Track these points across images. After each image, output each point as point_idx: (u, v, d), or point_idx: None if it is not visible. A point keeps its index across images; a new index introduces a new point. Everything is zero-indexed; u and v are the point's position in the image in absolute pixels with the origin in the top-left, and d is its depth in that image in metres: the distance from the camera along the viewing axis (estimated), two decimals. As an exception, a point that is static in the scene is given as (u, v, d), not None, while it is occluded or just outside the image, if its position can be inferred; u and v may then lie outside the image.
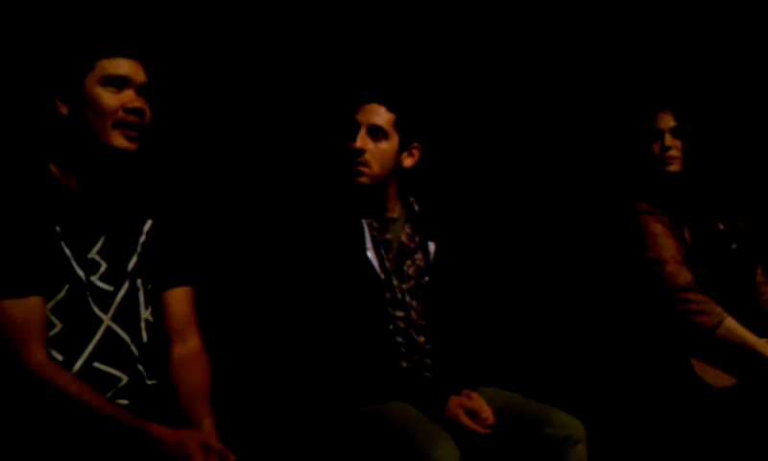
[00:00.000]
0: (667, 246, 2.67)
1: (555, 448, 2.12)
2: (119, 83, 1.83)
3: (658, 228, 2.69)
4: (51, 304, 1.81)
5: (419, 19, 2.90)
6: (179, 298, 1.99)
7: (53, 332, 1.82)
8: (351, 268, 2.26)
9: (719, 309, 2.60)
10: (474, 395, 2.21)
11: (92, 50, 1.84)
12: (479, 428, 2.15)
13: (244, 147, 2.66)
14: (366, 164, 2.27)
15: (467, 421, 2.16)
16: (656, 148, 2.69)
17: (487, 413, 2.17)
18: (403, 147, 2.32)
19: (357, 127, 2.28)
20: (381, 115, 2.29)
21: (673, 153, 2.66)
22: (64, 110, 1.86)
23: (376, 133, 2.28)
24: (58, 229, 1.83)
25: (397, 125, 2.30)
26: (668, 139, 2.67)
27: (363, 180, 2.28)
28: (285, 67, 2.71)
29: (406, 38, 2.88)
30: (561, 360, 2.97)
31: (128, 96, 1.84)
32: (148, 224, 1.97)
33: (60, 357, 1.82)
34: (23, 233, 1.78)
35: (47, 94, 1.87)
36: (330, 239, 2.27)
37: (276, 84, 2.70)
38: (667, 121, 2.67)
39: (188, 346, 1.96)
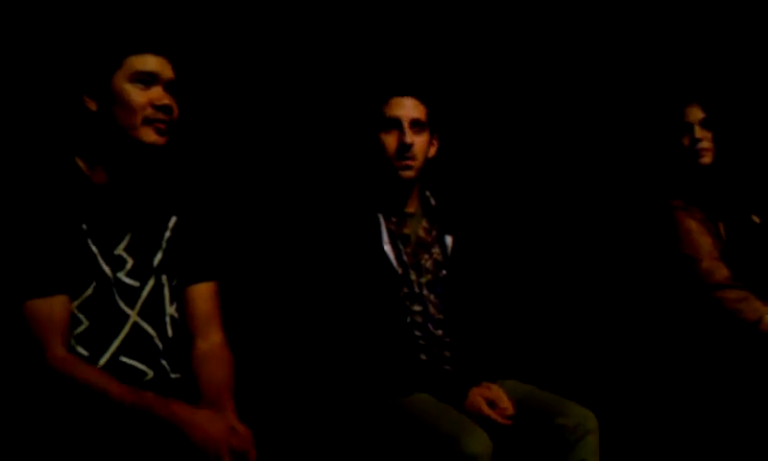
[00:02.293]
0: (703, 242, 2.63)
1: (567, 437, 2.10)
2: (147, 79, 1.85)
3: (692, 224, 2.65)
4: (78, 302, 1.83)
5: (438, 11, 2.91)
6: (202, 293, 1.99)
7: (80, 329, 1.83)
8: (369, 263, 2.27)
9: (759, 303, 2.53)
10: (494, 386, 2.20)
11: (121, 47, 1.86)
12: (500, 418, 2.14)
13: (263, 143, 2.68)
14: (413, 158, 2.29)
15: (488, 410, 2.14)
16: (686, 141, 2.66)
17: (506, 403, 2.16)
18: (431, 137, 2.37)
19: (397, 122, 2.30)
20: (419, 109, 2.32)
21: (704, 144, 2.63)
22: (93, 106, 1.87)
23: (418, 126, 2.31)
24: (84, 226, 1.84)
25: (429, 117, 2.34)
26: (698, 131, 2.64)
27: (410, 173, 2.30)
28: (305, 64, 2.74)
29: (426, 32, 2.89)
30: (581, 355, 2.92)
31: (156, 93, 1.86)
32: (173, 220, 1.98)
33: (86, 353, 1.83)
34: (50, 232, 1.80)
35: (75, 90, 1.90)
36: (347, 234, 2.28)
37: (295, 80, 2.73)
38: (696, 113, 2.65)
39: (211, 341, 1.97)
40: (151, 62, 1.86)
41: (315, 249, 2.32)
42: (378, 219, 2.32)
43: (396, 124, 2.30)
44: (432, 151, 2.38)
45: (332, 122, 2.72)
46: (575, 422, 2.10)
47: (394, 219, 2.34)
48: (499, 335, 2.39)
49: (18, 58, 2.35)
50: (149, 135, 1.85)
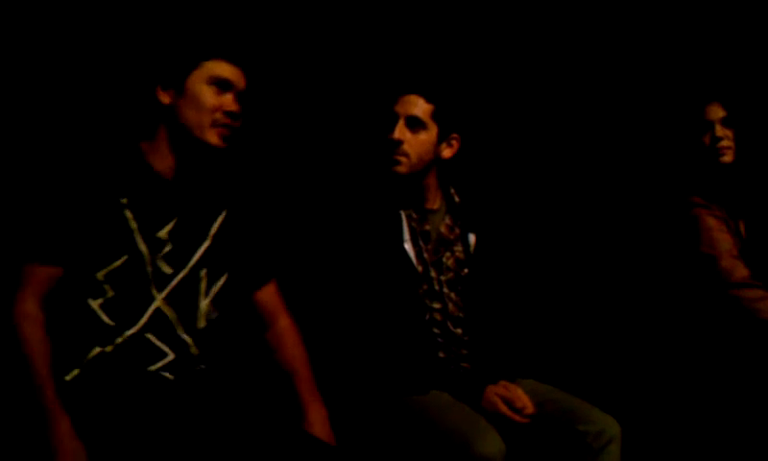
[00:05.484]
0: (722, 240, 2.62)
1: (589, 445, 2.10)
2: (223, 85, 1.94)
3: (712, 222, 2.64)
4: (105, 271, 1.89)
5: (458, 9, 2.92)
6: (266, 294, 2.15)
7: (104, 299, 1.90)
8: (389, 260, 2.27)
9: None
10: (511, 385, 2.20)
11: (203, 50, 1.95)
12: (517, 417, 2.14)
13: (284, 140, 2.71)
14: (404, 154, 2.28)
15: (504, 409, 2.14)
16: (706, 139, 2.65)
17: (524, 402, 2.16)
18: (442, 137, 2.33)
19: (396, 118, 2.30)
20: (419, 106, 2.30)
21: (725, 143, 2.62)
22: (165, 100, 1.96)
23: (414, 123, 2.29)
24: (124, 201, 1.90)
25: (436, 115, 2.31)
26: (719, 130, 2.62)
27: (400, 169, 2.29)
28: (325, 61, 2.76)
29: (444, 29, 2.89)
30: (602, 356, 2.92)
31: (228, 99, 1.94)
32: (222, 215, 2.04)
33: (111, 323, 1.90)
34: (73, 201, 1.88)
35: (151, 81, 1.98)
36: (369, 231, 2.29)
37: (316, 76, 2.75)
38: (716, 112, 2.63)
39: (280, 324, 2.14)
40: (228, 70, 1.95)
41: (336, 245, 2.32)
42: (400, 216, 2.32)
43: (395, 121, 2.30)
44: (447, 152, 2.35)
45: (357, 116, 2.74)
46: (598, 428, 2.10)
47: (415, 215, 2.34)
48: (519, 335, 2.39)
49: (108, 42, 2.46)
50: (213, 138, 1.94)
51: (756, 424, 2.46)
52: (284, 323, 2.15)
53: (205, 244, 2.00)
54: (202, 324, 1.99)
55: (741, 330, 2.54)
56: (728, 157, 2.63)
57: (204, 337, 2.00)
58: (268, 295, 2.14)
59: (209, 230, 2.02)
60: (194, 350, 1.98)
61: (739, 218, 2.65)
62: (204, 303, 2.00)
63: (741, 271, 2.58)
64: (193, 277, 1.98)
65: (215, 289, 2.02)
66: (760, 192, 2.66)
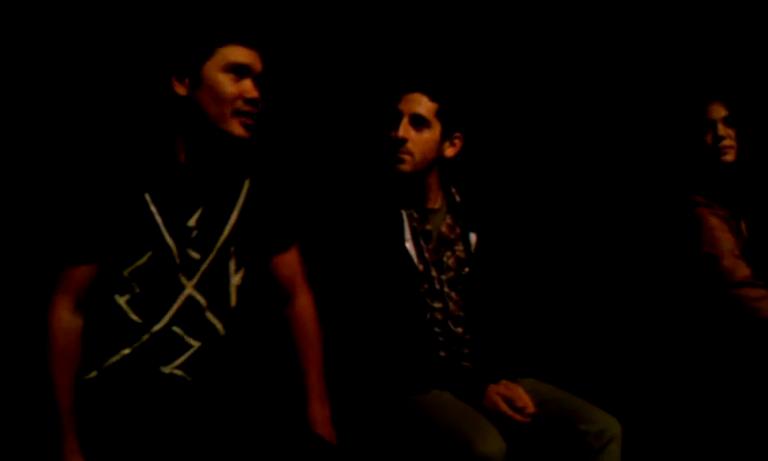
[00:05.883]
0: (724, 240, 2.62)
1: (589, 444, 2.10)
2: (240, 71, 1.88)
3: (714, 221, 2.65)
4: (130, 269, 1.88)
5: (462, 8, 2.92)
6: (288, 259, 2.11)
7: (131, 296, 1.89)
8: (390, 259, 2.28)
9: None
10: (512, 385, 2.20)
11: (216, 36, 1.88)
12: (518, 416, 2.14)
13: (283, 140, 2.69)
14: (408, 153, 2.28)
15: (505, 407, 2.15)
16: (708, 139, 2.65)
17: (525, 401, 2.16)
18: (445, 136, 2.33)
19: (400, 116, 2.30)
20: (423, 105, 2.30)
21: (727, 142, 2.62)
22: (182, 91, 1.90)
23: (418, 122, 2.29)
24: (147, 197, 1.88)
25: (440, 114, 2.31)
26: (721, 129, 2.63)
27: (404, 167, 2.29)
28: (329, 59, 2.77)
29: (449, 28, 2.90)
30: (603, 355, 2.92)
31: (247, 85, 1.88)
32: (243, 191, 2.01)
33: (139, 320, 1.89)
34: (100, 198, 1.86)
35: (165, 72, 1.93)
36: (370, 230, 2.29)
37: (319, 74, 2.75)
38: (719, 111, 2.64)
39: (300, 302, 2.13)
40: (244, 54, 1.89)
41: (337, 244, 2.32)
42: (401, 215, 2.33)
43: (399, 119, 2.30)
44: (449, 151, 2.35)
45: (359, 114, 2.75)
46: (599, 428, 2.10)
47: (416, 215, 2.34)
48: (520, 334, 2.39)
49: (119, 36, 2.46)
50: (237, 128, 1.89)
51: (756, 423, 2.47)
52: (304, 301, 2.13)
53: (231, 222, 1.98)
54: (234, 302, 1.99)
55: (743, 330, 2.54)
56: (730, 157, 2.63)
57: (234, 316, 2.00)
58: (289, 261, 2.10)
59: (233, 208, 1.99)
60: (222, 331, 1.97)
61: (741, 217, 2.66)
62: (235, 281, 1.99)
63: (743, 270, 2.58)
64: (222, 257, 1.96)
65: (243, 264, 2.00)
66: (762, 191, 2.66)
